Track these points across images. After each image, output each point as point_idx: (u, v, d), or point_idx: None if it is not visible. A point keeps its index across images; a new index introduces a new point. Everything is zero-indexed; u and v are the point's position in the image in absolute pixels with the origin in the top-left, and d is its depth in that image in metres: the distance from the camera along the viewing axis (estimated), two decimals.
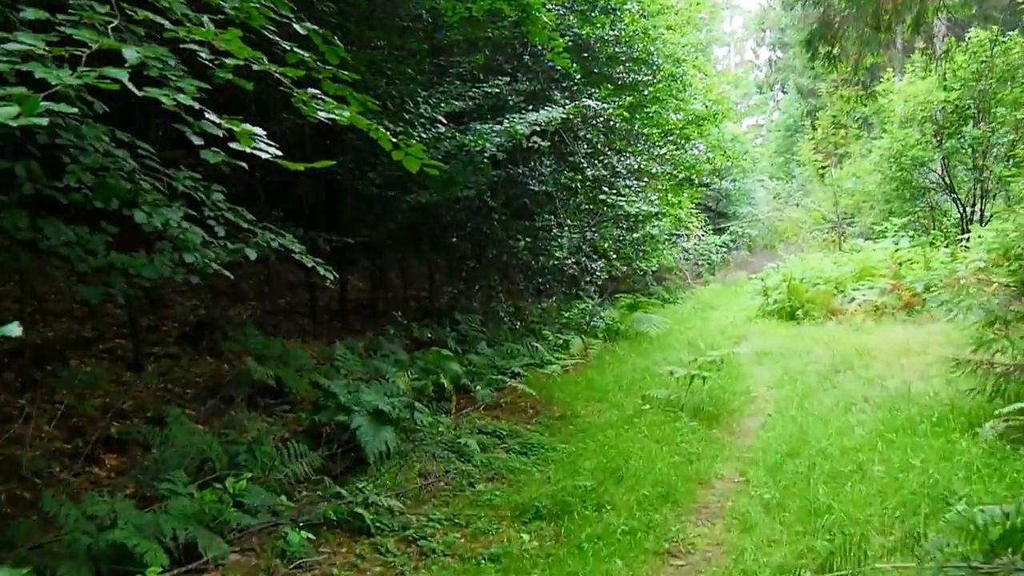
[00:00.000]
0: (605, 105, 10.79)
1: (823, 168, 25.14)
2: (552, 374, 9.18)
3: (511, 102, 10.79)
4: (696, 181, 17.59)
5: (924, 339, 10.74)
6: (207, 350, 9.02)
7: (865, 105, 22.76)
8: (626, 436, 6.97)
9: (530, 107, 10.10)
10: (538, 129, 9.82)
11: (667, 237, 16.18)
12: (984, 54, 17.87)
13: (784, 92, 44.60)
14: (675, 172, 14.37)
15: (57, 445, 5.95)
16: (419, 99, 9.00)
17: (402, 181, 10.50)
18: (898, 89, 20.59)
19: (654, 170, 13.53)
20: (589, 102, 10.25)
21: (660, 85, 13.41)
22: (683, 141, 14.46)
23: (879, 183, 22.50)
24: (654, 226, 13.00)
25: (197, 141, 3.08)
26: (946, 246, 17.91)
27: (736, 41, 56.58)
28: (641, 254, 14.43)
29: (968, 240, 18.06)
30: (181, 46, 3.12)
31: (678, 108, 14.83)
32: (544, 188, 11.44)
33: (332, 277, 5.01)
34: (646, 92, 12.72)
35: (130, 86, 2.63)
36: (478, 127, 9.57)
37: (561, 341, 11.30)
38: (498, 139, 9.45)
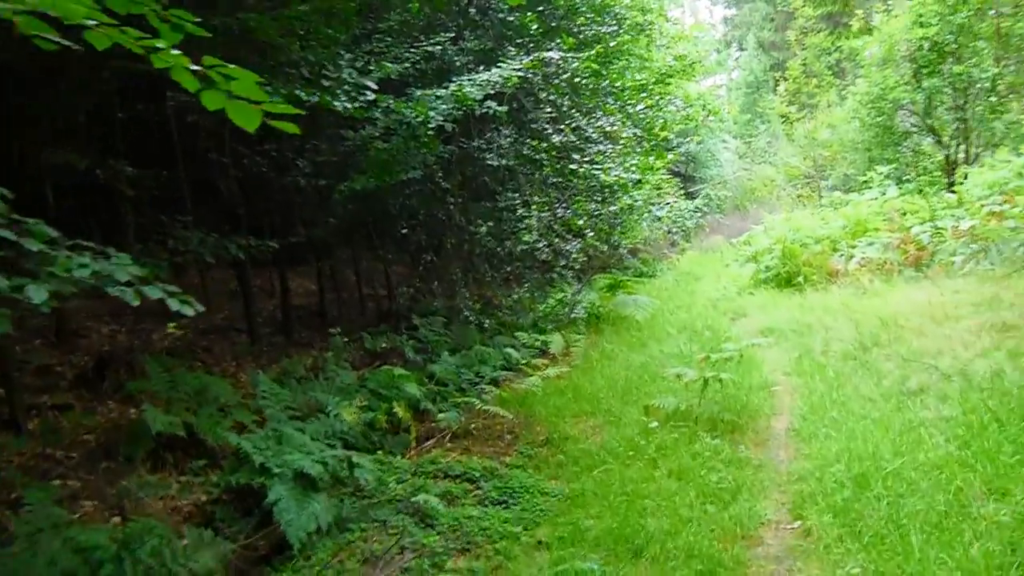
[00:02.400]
0: (569, 55, 9.18)
1: (796, 120, 23.77)
2: (531, 386, 7.61)
3: (458, 63, 9.16)
4: (673, 143, 16.14)
5: (950, 300, 9.32)
6: (109, 393, 7.35)
7: (839, 44, 21.45)
8: (634, 470, 5.42)
9: (481, 69, 8.48)
10: (492, 92, 8.22)
11: (648, 207, 14.68)
12: None
13: (742, 49, 43.19)
14: (649, 133, 12.81)
15: None
16: (341, 62, 7.33)
17: (338, 167, 8.87)
18: (874, 28, 19.34)
19: (626, 133, 11.95)
20: (550, 54, 8.64)
21: (626, 37, 11.82)
22: (658, 97, 12.90)
23: (858, 130, 21.29)
24: (631, 196, 11.47)
25: None
26: (934, 192, 16.81)
27: (689, 2, 55.10)
28: (620, 228, 12.87)
29: (952, 184, 16.97)
30: None
31: (642, 67, 13.30)
32: (504, 162, 9.82)
33: (194, 311, 3.39)
34: (612, 45, 11.10)
35: None
36: (420, 94, 7.96)
37: (538, 341, 9.73)
38: (445, 106, 7.84)
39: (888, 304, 9.92)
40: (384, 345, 9.07)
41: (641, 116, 12.42)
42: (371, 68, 7.71)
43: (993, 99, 17.51)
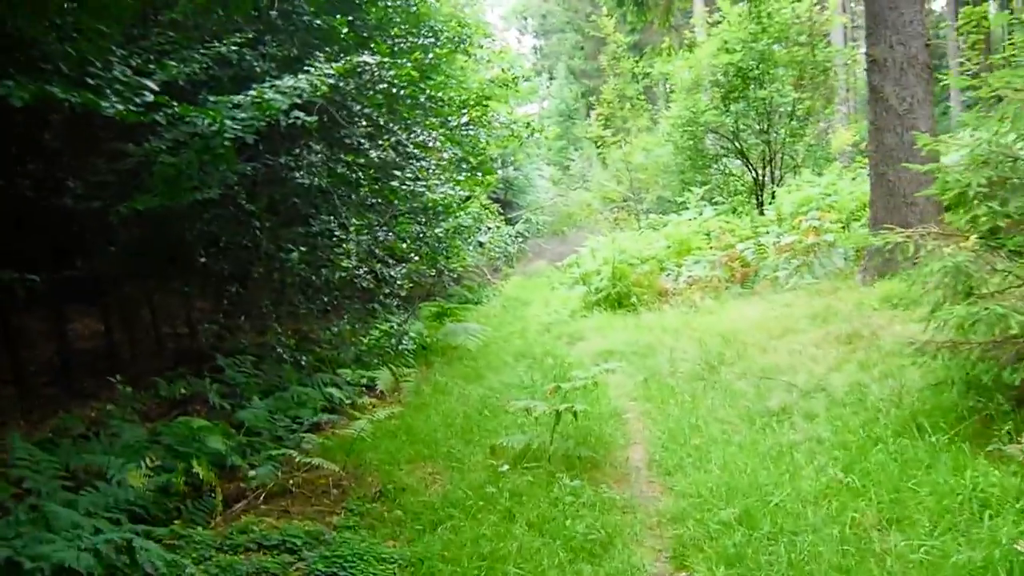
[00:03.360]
0: (385, 60, 8.34)
1: (613, 144, 24.10)
2: (358, 430, 6.60)
3: (259, 70, 8.09)
4: (497, 162, 15.69)
5: (785, 313, 9.23)
6: None
7: (649, 70, 22.00)
8: (487, 525, 4.57)
9: (286, 77, 7.47)
10: (300, 101, 7.23)
11: (478, 228, 14.02)
12: (758, 15, 17.48)
13: (552, 78, 44.04)
14: (471, 151, 12.13)
15: None
16: (113, 59, 6.11)
17: (119, 187, 7.54)
18: (684, 55, 19.93)
19: (447, 153, 11.22)
20: (365, 58, 7.77)
21: (444, 50, 11.12)
22: (479, 115, 12.27)
23: (671, 153, 21.83)
24: (456, 217, 10.73)
25: None
26: (746, 212, 17.39)
27: (499, 33, 55.67)
28: (446, 252, 12.06)
29: (762, 204, 17.63)
30: None
31: (461, 86, 12.67)
32: (317, 182, 8.79)
33: None
34: (429, 56, 10.34)
35: None
36: (214, 100, 6.85)
37: (364, 378, 8.74)
38: (244, 115, 6.77)
39: (723, 321, 9.72)
40: (183, 391, 7.76)
41: (464, 132, 11.74)
42: (152, 67, 6.53)
43: (794, 123, 18.35)
